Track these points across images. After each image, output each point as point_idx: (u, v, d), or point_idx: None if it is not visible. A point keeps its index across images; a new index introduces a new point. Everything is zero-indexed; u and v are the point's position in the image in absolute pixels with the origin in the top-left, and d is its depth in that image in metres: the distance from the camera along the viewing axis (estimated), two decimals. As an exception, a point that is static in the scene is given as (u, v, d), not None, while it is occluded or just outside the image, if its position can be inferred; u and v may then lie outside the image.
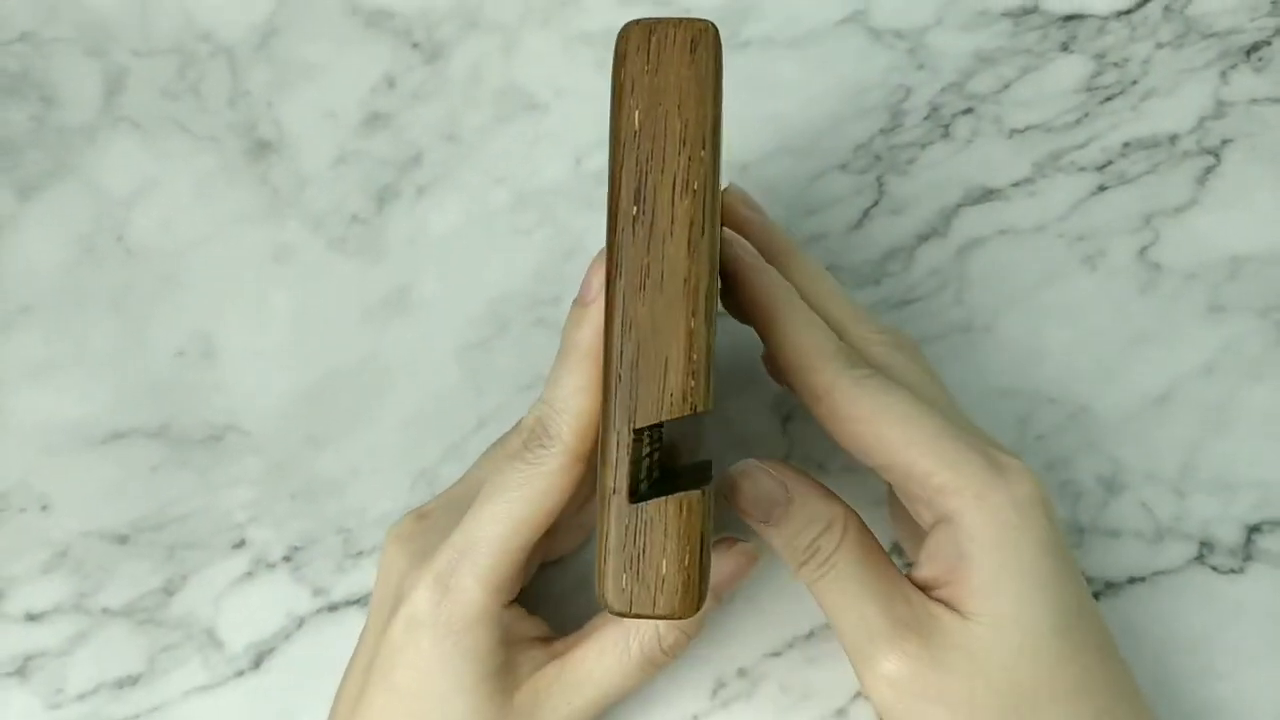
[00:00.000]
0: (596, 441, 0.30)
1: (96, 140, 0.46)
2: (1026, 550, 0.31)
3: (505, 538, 0.32)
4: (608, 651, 0.34)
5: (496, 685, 0.33)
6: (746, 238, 0.35)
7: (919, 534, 0.34)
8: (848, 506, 0.33)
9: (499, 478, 0.32)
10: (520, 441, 0.32)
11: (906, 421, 0.31)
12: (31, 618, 0.41)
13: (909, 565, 0.40)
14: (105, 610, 0.41)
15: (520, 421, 0.34)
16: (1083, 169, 0.43)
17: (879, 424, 0.31)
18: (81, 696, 0.40)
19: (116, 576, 0.42)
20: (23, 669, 0.41)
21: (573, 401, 0.31)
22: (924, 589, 0.32)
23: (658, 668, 0.34)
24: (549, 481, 0.32)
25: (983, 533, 0.31)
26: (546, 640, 0.35)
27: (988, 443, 0.32)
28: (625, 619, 0.31)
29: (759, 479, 0.33)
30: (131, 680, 0.41)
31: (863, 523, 0.33)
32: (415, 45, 0.46)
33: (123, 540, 0.42)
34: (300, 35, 0.47)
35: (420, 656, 0.33)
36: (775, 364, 0.34)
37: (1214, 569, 0.39)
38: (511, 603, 0.34)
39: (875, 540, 0.33)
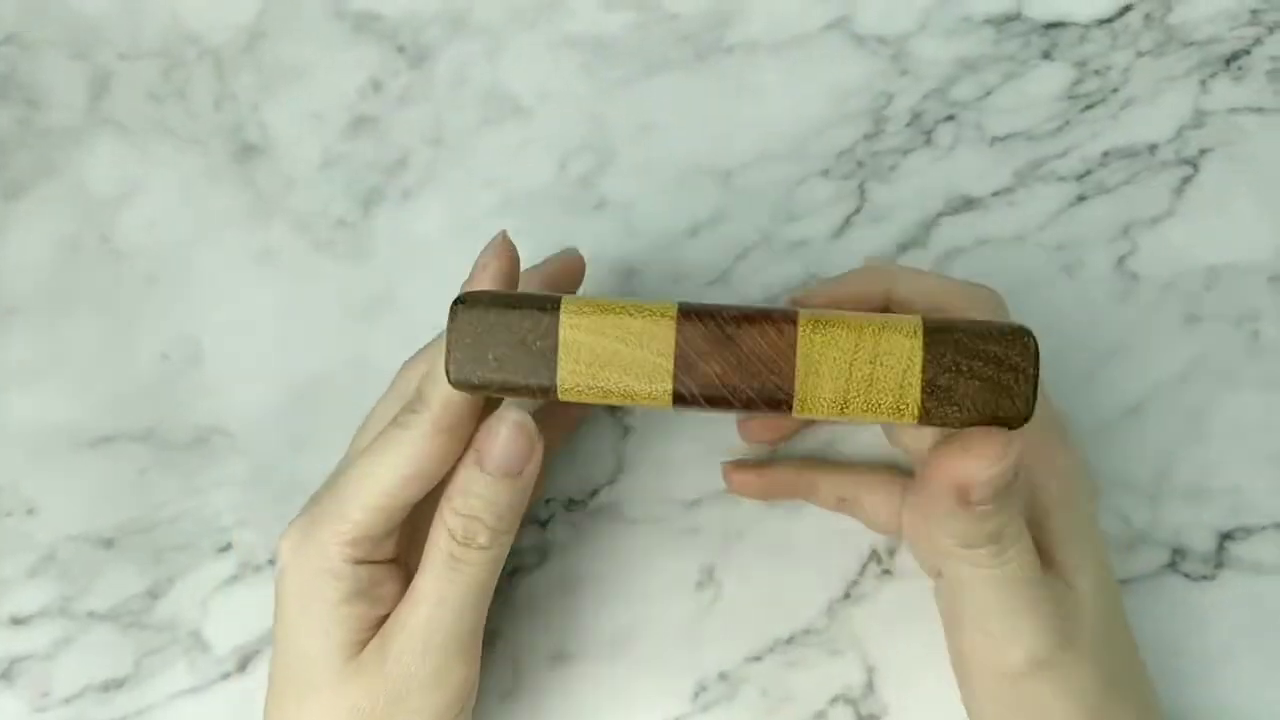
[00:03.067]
0: (466, 417, 0.32)
1: (82, 142, 0.46)
2: (1085, 507, 0.33)
3: (363, 495, 0.33)
4: (424, 574, 0.33)
5: (346, 636, 0.33)
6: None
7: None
8: None
9: (372, 441, 0.33)
10: (399, 407, 0.33)
11: None
12: (17, 621, 0.41)
13: (886, 572, 0.40)
14: (91, 614, 0.42)
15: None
16: (1062, 178, 0.43)
17: None
18: (67, 700, 0.41)
19: (102, 580, 0.42)
20: (8, 672, 0.41)
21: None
22: None
23: (472, 565, 0.33)
24: (413, 448, 0.32)
25: (1058, 488, 0.33)
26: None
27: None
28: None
29: (995, 453, 0.30)
30: (117, 683, 0.41)
31: None
32: (401, 49, 0.46)
33: (109, 544, 0.42)
34: (286, 38, 0.47)
35: (285, 605, 0.34)
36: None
37: (1186, 576, 0.40)
38: (385, 563, 0.34)
39: None
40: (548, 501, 0.42)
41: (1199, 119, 0.44)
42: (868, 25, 0.45)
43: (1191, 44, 0.44)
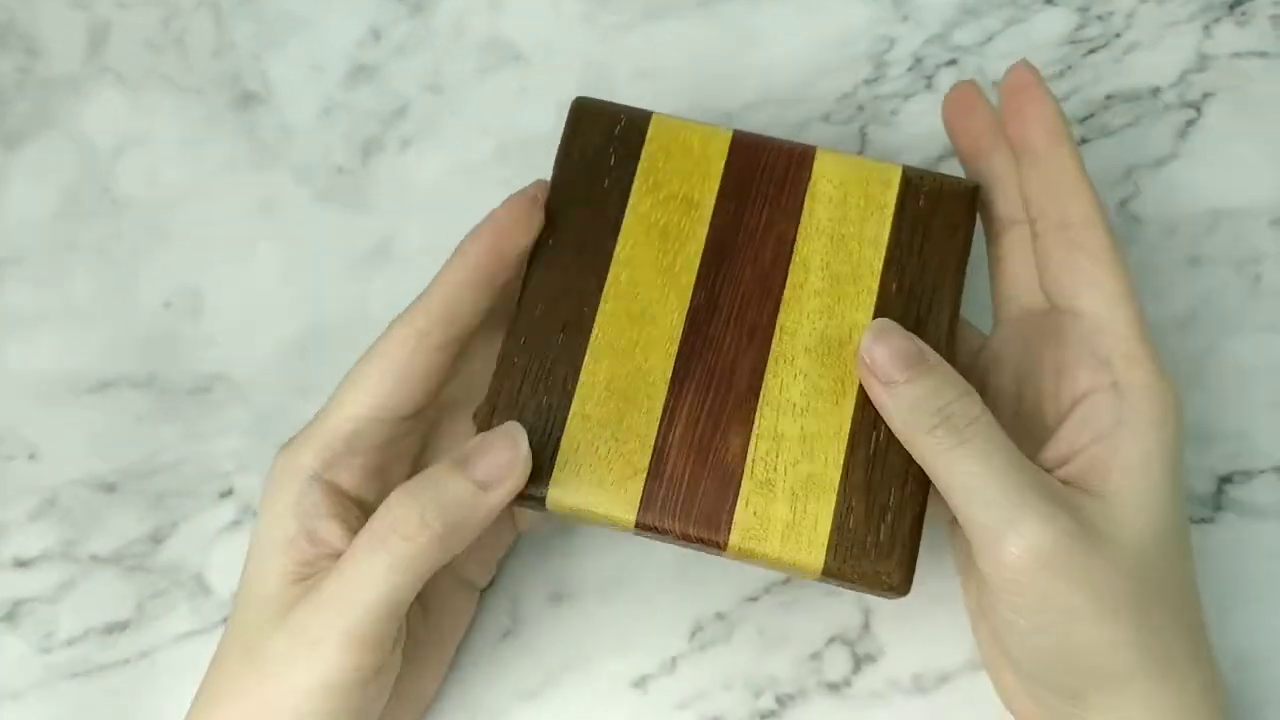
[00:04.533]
0: (441, 326, 0.33)
1: (82, 91, 0.46)
2: (1173, 443, 0.32)
3: (341, 400, 0.33)
4: (356, 546, 0.32)
5: (283, 559, 0.33)
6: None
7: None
8: None
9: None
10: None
11: (1123, 289, 0.33)
12: (21, 564, 0.42)
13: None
14: (94, 557, 0.42)
15: None
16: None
17: (1102, 282, 0.33)
18: (71, 641, 0.41)
19: (105, 524, 0.42)
20: (12, 614, 0.41)
21: (433, 284, 0.34)
22: (1052, 466, 0.32)
23: (394, 553, 0.31)
24: (383, 345, 0.33)
25: (1150, 409, 0.31)
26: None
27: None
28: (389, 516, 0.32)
29: (894, 335, 0.32)
30: (121, 626, 0.41)
31: None
32: (400, -3, 0.46)
33: (111, 488, 0.42)
34: (285, -14, 0.47)
35: (261, 510, 0.34)
36: None
37: (1187, 517, 0.40)
38: (348, 498, 0.34)
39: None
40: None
41: (1202, 63, 0.43)
42: (869, -30, 0.45)
43: (1196, -12, 0.44)
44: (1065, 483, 0.32)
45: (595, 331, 0.34)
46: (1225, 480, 0.40)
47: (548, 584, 0.40)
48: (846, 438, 0.33)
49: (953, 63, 0.44)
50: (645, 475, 0.33)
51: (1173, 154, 0.42)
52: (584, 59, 0.45)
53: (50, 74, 0.46)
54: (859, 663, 0.39)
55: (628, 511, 0.33)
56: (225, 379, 0.43)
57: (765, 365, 0.34)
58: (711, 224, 0.35)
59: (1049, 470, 0.32)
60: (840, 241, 0.35)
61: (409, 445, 0.36)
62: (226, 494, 0.42)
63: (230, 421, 0.43)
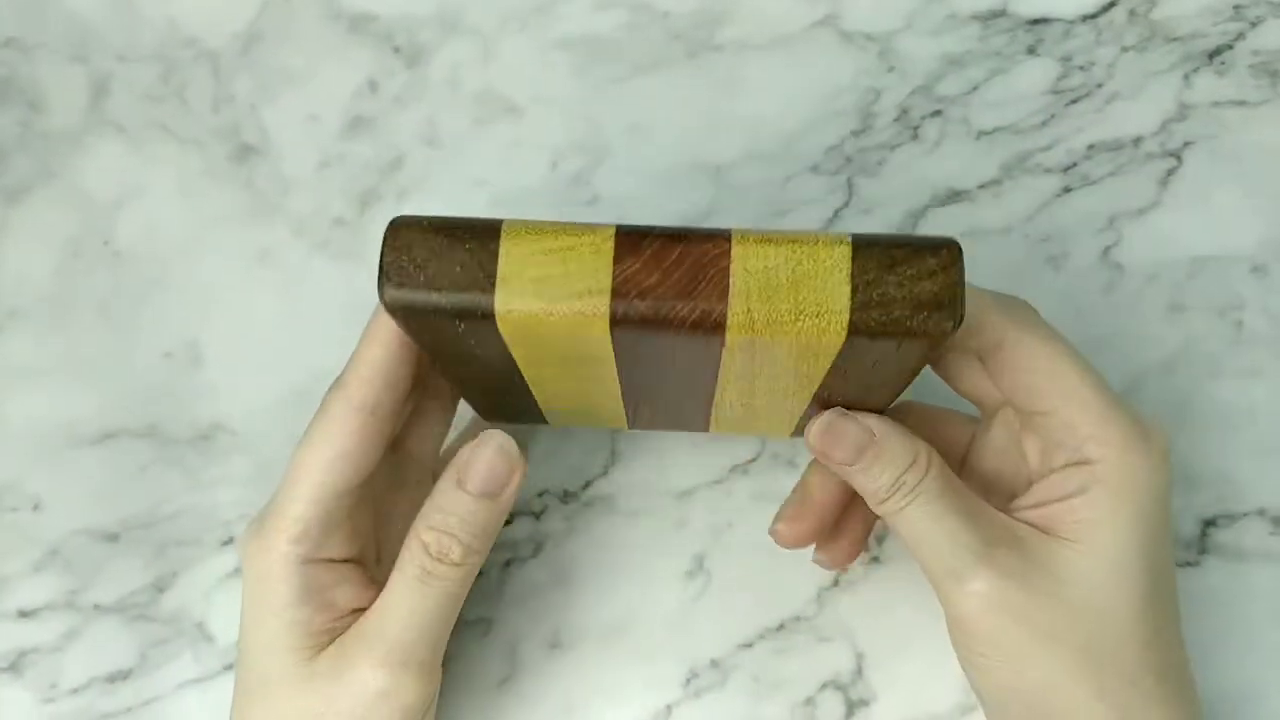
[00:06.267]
0: (384, 395, 0.33)
1: (82, 145, 0.47)
2: (1143, 504, 0.33)
3: (298, 486, 0.33)
4: (392, 586, 0.33)
5: (296, 640, 0.33)
6: None
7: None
8: (927, 443, 0.33)
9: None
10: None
11: (1086, 382, 0.33)
12: (24, 614, 0.42)
13: (874, 559, 0.41)
14: (97, 606, 0.42)
15: None
16: (1048, 170, 0.44)
17: (1053, 376, 0.33)
18: (75, 691, 0.42)
19: (107, 573, 0.43)
20: (16, 664, 0.42)
21: (363, 350, 0.33)
22: (1019, 510, 0.34)
23: (442, 580, 0.33)
24: (334, 426, 0.33)
25: (1113, 476, 0.32)
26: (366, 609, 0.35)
27: (1130, 407, 0.34)
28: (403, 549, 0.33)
29: (844, 425, 0.33)
30: (124, 674, 0.42)
31: (940, 459, 0.33)
32: (396, 50, 0.47)
33: (113, 538, 0.43)
34: (283, 41, 0.47)
35: (244, 606, 0.34)
36: None
37: (1171, 561, 0.40)
38: (339, 563, 0.34)
39: (954, 475, 0.34)
40: (541, 494, 0.42)
41: (1183, 112, 0.44)
42: (855, 23, 0.46)
43: (1175, 39, 0.45)
44: (1032, 525, 0.33)
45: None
46: (1209, 524, 0.41)
47: (544, 633, 0.41)
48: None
49: (938, 113, 0.45)
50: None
51: (1155, 202, 0.43)
52: (576, 112, 0.45)
53: (51, 128, 0.47)
54: (852, 708, 0.40)
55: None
56: (225, 429, 0.44)
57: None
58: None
59: (1017, 513, 0.34)
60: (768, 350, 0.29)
61: (375, 483, 0.36)
62: (228, 542, 0.43)
63: (231, 471, 0.43)
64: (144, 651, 0.42)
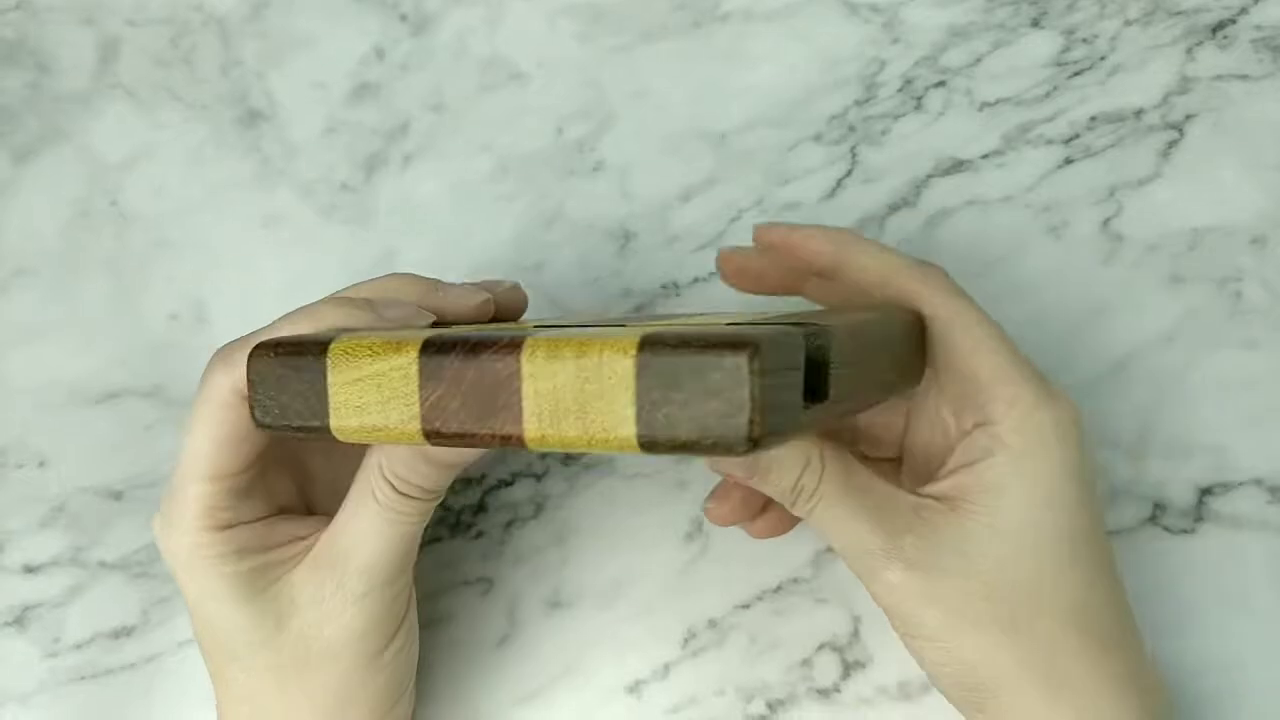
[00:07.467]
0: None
1: (91, 107, 0.47)
2: (1047, 466, 0.33)
3: (193, 471, 0.33)
4: (358, 511, 0.33)
5: (250, 590, 0.33)
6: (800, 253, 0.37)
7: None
8: (819, 441, 0.33)
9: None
10: None
11: (990, 339, 0.34)
12: (30, 570, 0.43)
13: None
14: (101, 563, 0.43)
15: None
16: (1050, 141, 0.44)
17: (963, 336, 0.34)
18: (78, 646, 0.42)
19: (112, 531, 0.43)
20: (21, 619, 0.42)
21: (257, 335, 0.33)
22: (938, 480, 0.34)
23: (409, 517, 0.33)
24: (217, 413, 0.33)
25: (1014, 438, 0.33)
26: (313, 534, 0.35)
27: (1037, 372, 0.34)
28: (366, 473, 0.33)
29: (724, 461, 0.33)
30: (126, 631, 0.42)
31: (838, 448, 0.33)
32: (403, 17, 0.47)
33: (117, 496, 0.43)
34: (291, 7, 0.48)
35: (182, 584, 0.34)
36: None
37: (1167, 529, 0.41)
38: (265, 520, 0.35)
39: (853, 460, 0.34)
40: (543, 456, 0.43)
41: (1185, 85, 0.44)
42: (860, -7, 0.46)
43: (1178, 13, 0.45)
44: (938, 500, 0.33)
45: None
46: (1206, 492, 0.41)
47: (544, 592, 0.41)
48: None
49: (941, 84, 0.45)
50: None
51: (1155, 174, 0.43)
52: (581, 79, 0.46)
53: (60, 90, 0.47)
54: (848, 669, 0.40)
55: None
56: (230, 389, 0.44)
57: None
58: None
59: (922, 492, 0.34)
60: None
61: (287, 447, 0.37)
62: (230, 502, 0.43)
63: (234, 431, 0.44)
64: (146, 609, 0.42)
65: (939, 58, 0.45)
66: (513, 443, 0.27)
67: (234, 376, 0.32)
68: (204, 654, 0.35)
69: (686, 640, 0.40)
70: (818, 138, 0.45)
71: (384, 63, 0.47)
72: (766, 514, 0.38)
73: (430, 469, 0.32)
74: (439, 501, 0.34)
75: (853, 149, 0.45)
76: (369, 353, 0.29)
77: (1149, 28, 0.45)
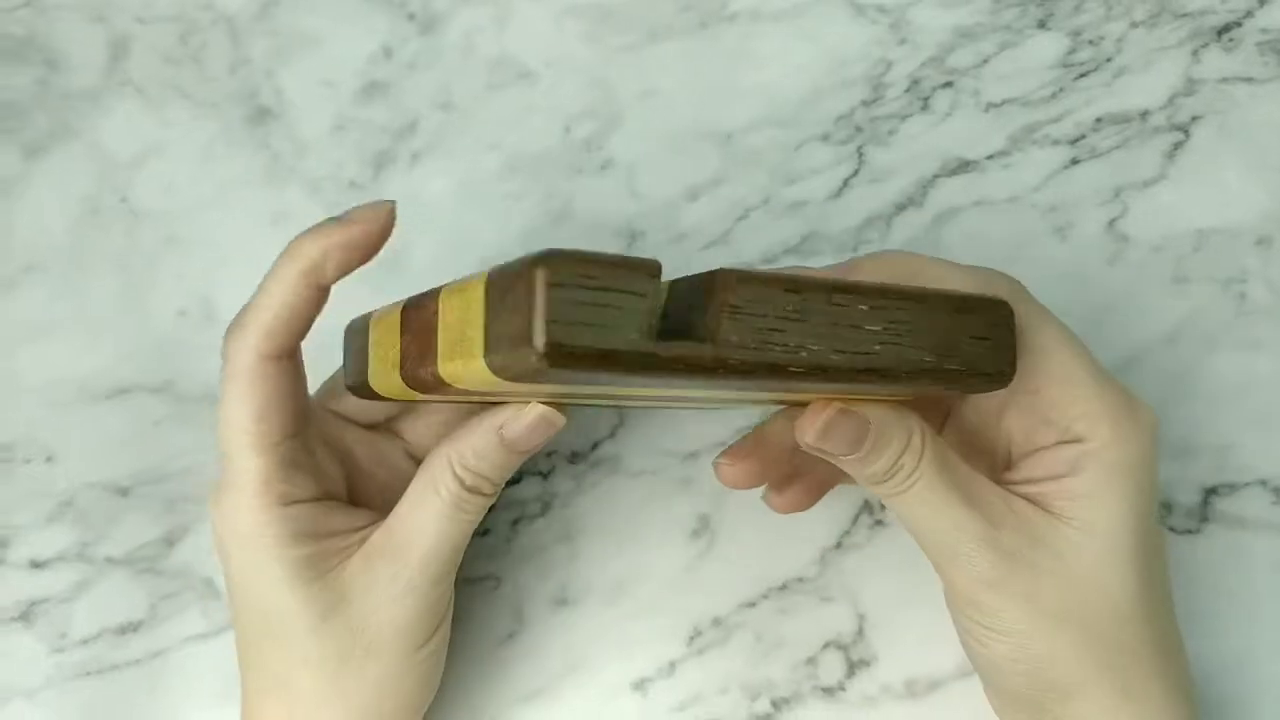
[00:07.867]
0: (288, 337, 0.33)
1: (101, 104, 0.47)
2: (1136, 482, 0.33)
3: (240, 441, 0.33)
4: (421, 503, 0.34)
5: (307, 576, 0.33)
6: None
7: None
8: (918, 416, 0.33)
9: None
10: None
11: (1066, 353, 0.33)
12: (36, 565, 0.43)
13: (878, 522, 0.41)
14: (108, 559, 0.43)
15: None
16: (1056, 142, 0.44)
17: (1043, 353, 0.33)
18: (84, 642, 0.42)
19: (119, 527, 0.43)
20: (27, 614, 0.42)
21: (265, 292, 0.34)
22: (1012, 485, 0.34)
23: (471, 511, 0.34)
24: (247, 385, 0.33)
25: (1106, 455, 0.33)
26: (366, 526, 0.35)
27: (1119, 384, 0.34)
28: (431, 468, 0.34)
29: (839, 420, 0.32)
30: (133, 627, 0.42)
31: (933, 430, 0.33)
32: (411, 17, 0.48)
33: (125, 492, 0.43)
34: (300, 6, 0.48)
35: (233, 564, 0.34)
36: None
37: (1172, 529, 0.41)
38: (315, 501, 0.34)
39: (944, 443, 0.33)
40: (549, 455, 0.43)
41: (1190, 87, 0.45)
42: (867, -5, 0.46)
43: (1184, 15, 0.45)
44: (1028, 499, 0.33)
45: None
46: (1211, 492, 0.41)
47: (550, 589, 0.41)
48: None
49: (948, 85, 0.45)
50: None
51: (1160, 175, 0.44)
52: (589, 78, 0.46)
53: (69, 87, 0.47)
54: (853, 668, 0.40)
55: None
56: (237, 386, 0.44)
57: None
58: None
59: (1013, 487, 0.34)
60: None
61: (331, 429, 0.37)
62: (237, 498, 0.43)
63: (242, 428, 0.44)
64: (153, 604, 0.43)
65: (946, 59, 0.45)
66: (435, 382, 0.29)
67: (252, 342, 0.32)
68: (239, 638, 0.35)
69: (692, 638, 0.41)
70: (825, 138, 0.45)
71: (392, 61, 0.47)
72: (794, 486, 0.37)
73: (501, 455, 0.33)
74: (495, 500, 0.34)
75: (860, 149, 0.45)
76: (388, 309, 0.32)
77: (1155, 30, 0.45)
